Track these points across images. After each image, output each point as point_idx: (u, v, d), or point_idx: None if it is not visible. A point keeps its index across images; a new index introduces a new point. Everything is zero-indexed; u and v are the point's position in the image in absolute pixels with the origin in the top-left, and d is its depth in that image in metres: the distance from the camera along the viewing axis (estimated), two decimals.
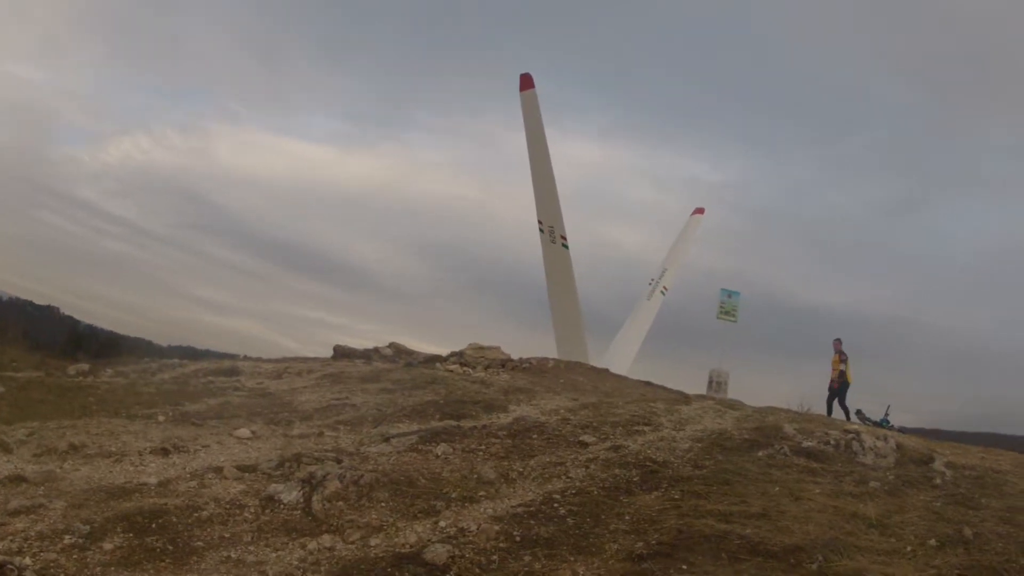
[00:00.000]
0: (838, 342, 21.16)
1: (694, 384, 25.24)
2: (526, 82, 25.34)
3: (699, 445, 10.89)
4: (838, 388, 20.63)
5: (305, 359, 22.69)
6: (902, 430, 19.34)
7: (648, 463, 9.73)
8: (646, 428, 12.23)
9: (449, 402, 14.39)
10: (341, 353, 23.56)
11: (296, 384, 17.91)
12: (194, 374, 18.93)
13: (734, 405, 16.03)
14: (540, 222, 25.92)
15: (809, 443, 11.22)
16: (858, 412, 21.70)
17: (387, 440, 11.32)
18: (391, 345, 25.86)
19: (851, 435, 11.47)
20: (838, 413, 20.36)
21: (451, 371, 20.27)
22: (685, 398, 18.24)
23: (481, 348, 24.87)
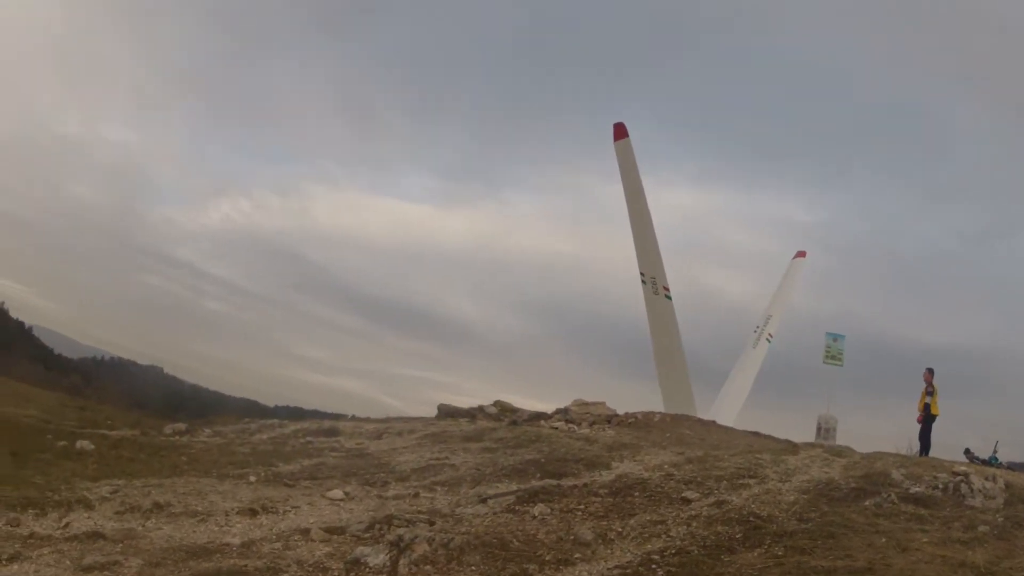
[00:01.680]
0: (928, 373, 20.19)
1: (802, 432, 24.68)
2: (620, 131, 25.08)
3: (805, 497, 10.86)
4: (922, 421, 19.84)
5: (408, 419, 23.01)
6: (1012, 466, 18.44)
7: (752, 518, 9.79)
8: (751, 481, 12.24)
9: (551, 460, 14.66)
10: (445, 412, 23.71)
11: (396, 444, 18.22)
12: (293, 435, 19.23)
13: (842, 452, 15.75)
14: (642, 273, 25.86)
15: (917, 488, 11.04)
16: (966, 451, 20.82)
17: (484, 501, 11.66)
18: (496, 403, 26.03)
19: (959, 478, 11.22)
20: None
21: (556, 428, 20.48)
22: (793, 447, 17.97)
23: (586, 404, 25.00)
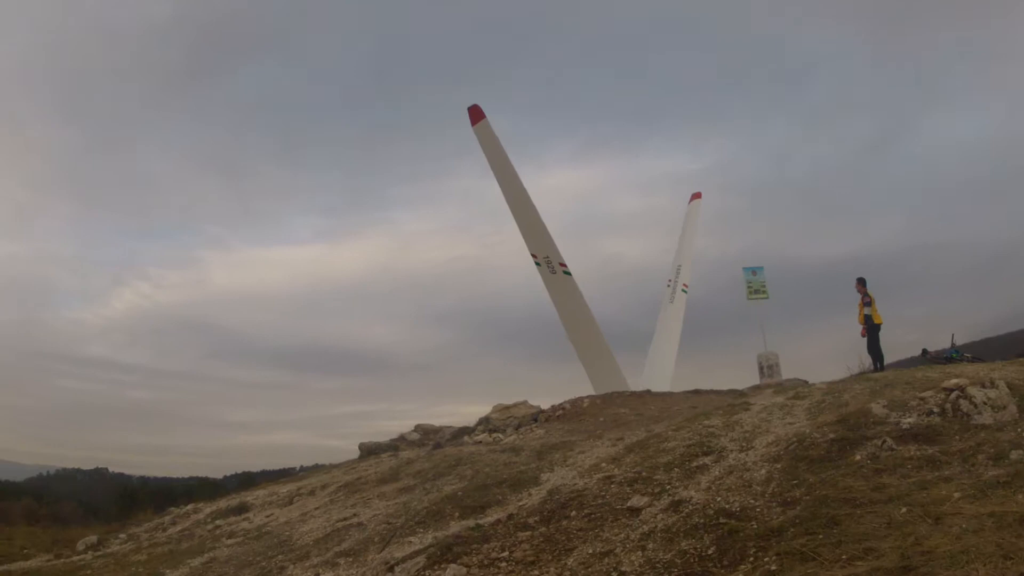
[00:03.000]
0: (859, 283, 18.72)
1: (744, 376, 22.86)
2: (476, 114, 23.60)
3: (778, 468, 8.44)
4: (867, 332, 18.18)
5: (330, 468, 20.98)
6: (976, 359, 16.82)
7: (722, 519, 7.28)
8: (707, 460, 9.80)
9: (472, 490, 12.00)
10: (367, 451, 21.89)
11: (308, 506, 15.72)
12: (204, 520, 17.00)
13: (799, 392, 13.52)
14: (534, 256, 23.81)
15: (909, 420, 8.77)
16: (923, 352, 19.18)
17: (391, 569, 8.96)
18: (417, 428, 23.99)
19: (955, 392, 9.01)
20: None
21: (479, 443, 18.15)
22: (742, 399, 15.79)
23: (507, 408, 22.62)
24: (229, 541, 14.13)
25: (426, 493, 13.07)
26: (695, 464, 9.69)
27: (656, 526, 7.66)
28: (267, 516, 15.93)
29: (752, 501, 7.56)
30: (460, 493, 11.99)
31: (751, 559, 6.25)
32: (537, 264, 23.75)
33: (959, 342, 19.07)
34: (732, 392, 19.97)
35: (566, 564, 7.43)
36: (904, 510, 6.23)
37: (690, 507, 7.90)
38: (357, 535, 11.78)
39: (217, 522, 16.26)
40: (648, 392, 21.09)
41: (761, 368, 23.58)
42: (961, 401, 8.68)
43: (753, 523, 6.94)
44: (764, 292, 24.92)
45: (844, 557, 5.68)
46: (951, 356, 16.91)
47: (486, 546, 8.63)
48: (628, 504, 8.61)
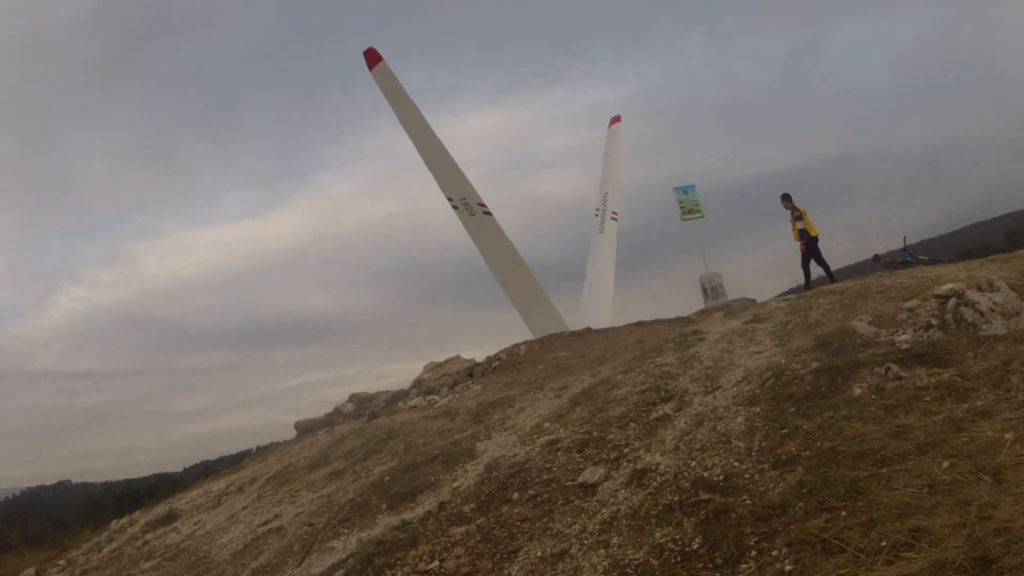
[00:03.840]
0: (785, 200, 17.40)
1: (689, 301, 21.60)
2: (372, 58, 21.92)
3: (758, 413, 6.86)
4: (805, 248, 16.89)
5: (265, 454, 18.86)
6: (935, 261, 15.75)
7: (703, 492, 5.66)
8: (668, 408, 8.20)
9: (401, 471, 10.27)
10: (303, 428, 20.42)
11: (235, 507, 13.81)
12: (137, 535, 14.98)
13: (757, 315, 12.02)
14: (450, 199, 22.07)
15: (905, 337, 7.27)
16: (875, 258, 18.05)
17: None
18: (352, 398, 22.29)
19: (954, 300, 7.53)
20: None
21: (414, 407, 16.55)
22: (691, 326, 14.33)
23: (439, 365, 20.93)
24: (145, 565, 12.28)
25: (354, 479, 11.36)
26: (655, 415, 8.08)
27: (619, 509, 5.99)
28: (195, 524, 14.06)
29: (736, 463, 5.95)
30: (388, 478, 10.24)
31: (752, 553, 4.63)
32: (455, 207, 22.07)
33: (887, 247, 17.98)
34: (679, 320, 18.56)
35: (510, 574, 5.75)
36: (946, 464, 4.67)
37: (659, 478, 6.25)
38: (276, 543, 9.99)
39: (147, 536, 14.36)
40: (588, 330, 19.55)
41: (705, 290, 22.27)
42: (963, 309, 7.19)
43: (745, 497, 5.32)
44: (699, 211, 23.52)
45: (884, 544, 4.09)
46: (905, 260, 15.73)
47: (413, 553, 6.89)
48: (580, 479, 6.94)
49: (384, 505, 9.20)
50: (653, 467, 6.51)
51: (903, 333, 7.32)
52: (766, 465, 5.69)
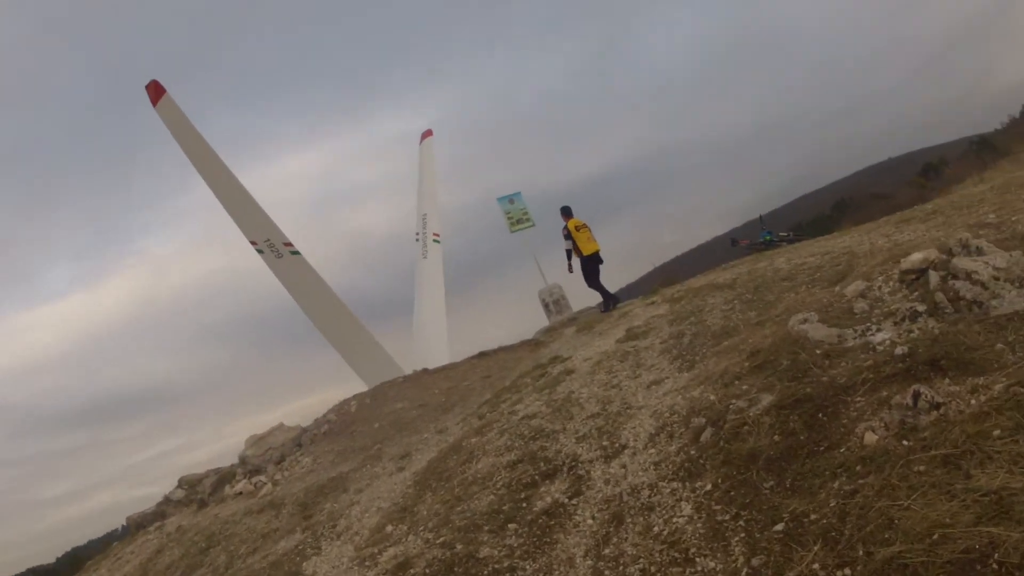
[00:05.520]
0: (563, 213, 14.97)
1: (531, 319, 19.30)
2: (156, 91, 18.22)
3: (710, 492, 4.26)
4: (584, 268, 14.58)
5: (99, 560, 14.99)
6: (798, 237, 14.20)
7: None
8: (556, 491, 5.52)
9: None
10: (135, 524, 17.08)
11: None
12: None
13: (632, 330, 9.61)
14: (254, 243, 18.80)
15: (885, 336, 4.95)
16: (733, 242, 16.42)
17: None
18: (181, 482, 18.48)
19: (935, 274, 5.33)
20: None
21: (239, 496, 13.53)
22: (545, 352, 11.87)
23: (262, 438, 17.44)
24: None
25: None
26: (540, 506, 5.36)
27: None
28: None
29: None
30: None
31: None
32: (259, 251, 18.80)
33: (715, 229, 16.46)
34: (526, 344, 16.07)
35: None
36: None
37: None
38: None
39: None
40: (426, 371, 16.71)
41: (546, 305, 19.93)
42: (956, 283, 4.96)
43: None
44: (528, 220, 21.22)
45: None
46: (767, 239, 13.99)
47: None
48: None
49: None
50: None
51: (879, 331, 5.00)
52: None
